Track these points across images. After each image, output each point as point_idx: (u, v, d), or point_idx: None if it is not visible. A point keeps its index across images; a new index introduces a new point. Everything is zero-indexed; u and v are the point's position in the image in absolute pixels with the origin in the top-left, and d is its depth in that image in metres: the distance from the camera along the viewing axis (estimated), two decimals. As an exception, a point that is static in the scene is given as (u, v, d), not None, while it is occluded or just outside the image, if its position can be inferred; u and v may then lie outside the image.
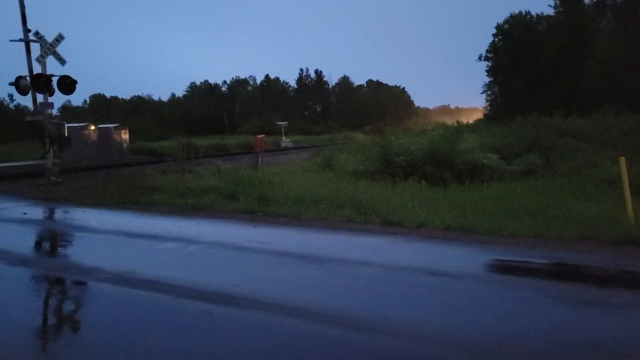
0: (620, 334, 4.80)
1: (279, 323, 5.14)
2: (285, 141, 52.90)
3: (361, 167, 17.29)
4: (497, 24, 55.27)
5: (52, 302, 6.33)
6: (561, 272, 7.13)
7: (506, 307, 5.51)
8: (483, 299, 5.79)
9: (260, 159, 20.79)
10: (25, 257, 8.53)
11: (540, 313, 5.32)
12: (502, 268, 7.55)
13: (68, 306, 6.09)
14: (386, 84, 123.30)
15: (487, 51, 56.93)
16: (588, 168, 14.41)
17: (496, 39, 55.72)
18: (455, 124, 33.06)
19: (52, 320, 5.67)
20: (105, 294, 6.30)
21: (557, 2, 49.60)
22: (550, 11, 51.20)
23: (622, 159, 9.49)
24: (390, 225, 10.02)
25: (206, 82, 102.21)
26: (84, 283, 6.89)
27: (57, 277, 7.24)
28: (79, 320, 5.56)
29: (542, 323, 5.03)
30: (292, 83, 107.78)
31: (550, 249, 7.97)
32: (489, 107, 62.47)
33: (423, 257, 7.99)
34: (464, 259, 7.86)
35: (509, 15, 54.74)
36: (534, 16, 53.48)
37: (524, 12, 54.08)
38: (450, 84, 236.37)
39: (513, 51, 51.08)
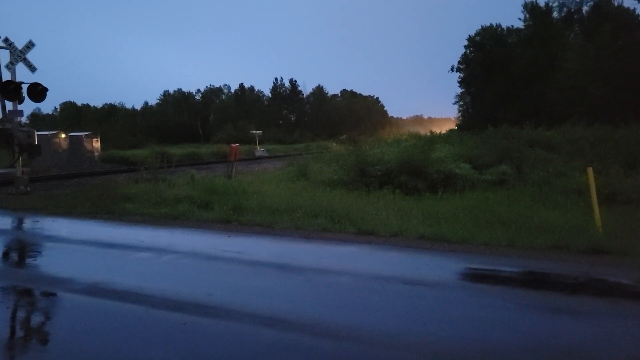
0: (589, 340, 4.92)
1: (254, 333, 5.12)
2: (260, 150, 52.78)
3: (336, 177, 17.36)
4: (469, 36, 56.22)
5: (22, 314, 6.17)
6: (532, 280, 7.28)
7: (479, 315, 5.60)
8: (456, 307, 5.86)
9: (234, 168, 20.69)
10: (-7, 268, 8.33)
11: (512, 320, 5.42)
12: (475, 276, 7.66)
13: (38, 318, 5.96)
14: (360, 94, 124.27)
15: (459, 62, 57.82)
16: (557, 178, 14.73)
17: (468, 51, 56.65)
18: (429, 134, 33.52)
19: (21, 333, 5.53)
20: (77, 305, 6.18)
21: (527, 15, 50.76)
22: (520, 24, 52.39)
23: (590, 170, 9.75)
24: (365, 234, 10.09)
25: (180, 90, 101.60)
26: (55, 294, 6.75)
27: (26, 289, 7.07)
28: (50, 333, 5.44)
29: (514, 330, 5.12)
30: (267, 92, 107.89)
31: (521, 258, 8.13)
32: (461, 118, 63.39)
33: (397, 266, 8.05)
34: (438, 267, 7.96)
35: (480, 27, 55.79)
36: (505, 29, 54.59)
37: (494, 25, 55.17)
38: (423, 94, 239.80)
39: (484, 63, 52.01)
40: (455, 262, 8.18)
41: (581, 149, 18.62)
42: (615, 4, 43.71)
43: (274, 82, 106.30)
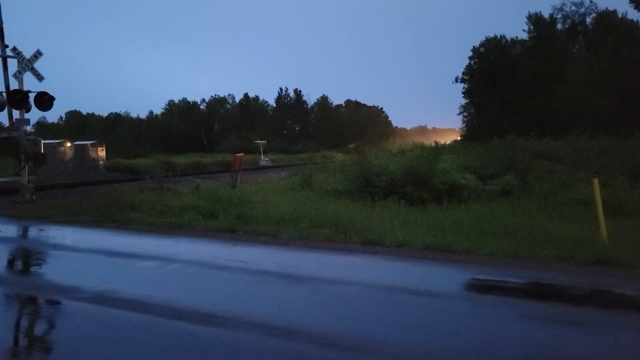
0: (596, 352, 4.90)
1: (261, 343, 5.12)
2: (264, 160, 52.87)
3: (340, 187, 17.36)
4: (473, 47, 56.30)
5: (27, 322, 6.18)
6: (538, 292, 7.25)
7: (485, 326, 5.58)
8: (463, 318, 5.85)
9: (239, 178, 20.74)
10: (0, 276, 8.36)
11: (518, 332, 5.40)
12: (481, 287, 7.64)
13: (44, 326, 5.96)
14: (364, 104, 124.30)
15: (463, 73, 57.85)
16: (562, 189, 14.69)
17: (472, 62, 56.70)
18: (433, 144, 33.56)
19: (27, 341, 5.54)
20: (82, 314, 6.18)
21: (531, 27, 50.90)
22: (524, 36, 52.48)
23: (596, 181, 9.73)
24: (371, 244, 10.08)
25: (184, 100, 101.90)
26: (61, 302, 6.76)
27: (32, 297, 7.10)
28: (56, 341, 5.45)
29: (521, 341, 5.10)
30: (271, 102, 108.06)
31: (527, 269, 8.11)
32: (465, 128, 63.39)
33: (403, 276, 8.04)
34: (444, 278, 7.95)
35: (484, 38, 55.90)
36: (509, 40, 54.65)
37: (498, 36, 55.28)
38: (427, 104, 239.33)
39: (488, 74, 52.06)
40: (461, 273, 8.17)
41: (586, 160, 18.55)
42: (619, 16, 43.81)
43: (278, 92, 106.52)
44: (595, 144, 21.58)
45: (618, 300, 6.81)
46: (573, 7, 48.69)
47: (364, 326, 5.58)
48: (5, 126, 19.55)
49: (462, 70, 57.81)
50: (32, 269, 9.25)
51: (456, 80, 58.27)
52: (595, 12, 47.02)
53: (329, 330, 5.40)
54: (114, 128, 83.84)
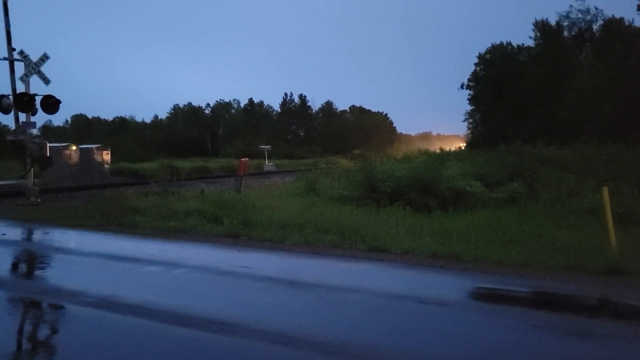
0: (609, 364, 4.81)
1: (267, 350, 5.04)
2: (268, 165, 52.92)
3: (345, 192, 17.30)
4: (479, 53, 56.36)
5: (31, 327, 6.12)
6: (548, 302, 7.15)
7: (495, 336, 5.49)
8: (472, 327, 5.76)
9: (243, 182, 20.70)
10: (3, 280, 8.30)
11: (529, 342, 5.31)
12: (490, 296, 7.53)
13: (47, 331, 5.89)
14: (369, 110, 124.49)
15: (469, 80, 57.88)
16: (570, 197, 14.58)
17: (478, 68, 56.71)
18: (439, 150, 33.52)
19: (31, 346, 5.47)
20: (86, 319, 6.11)
21: (537, 34, 50.85)
22: (531, 43, 52.46)
23: (605, 189, 9.61)
24: (376, 251, 9.99)
25: (189, 104, 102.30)
26: (65, 307, 6.70)
27: (36, 301, 7.03)
28: (60, 346, 5.38)
29: (530, 352, 5.02)
30: (276, 107, 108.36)
31: (537, 278, 8.01)
32: (470, 135, 63.33)
33: (410, 284, 7.94)
34: (452, 286, 7.86)
35: (490, 45, 55.89)
36: (515, 47, 54.64)
37: (505, 43, 55.27)
38: (432, 111, 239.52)
39: (494, 81, 51.98)
40: (469, 281, 8.08)
41: (594, 168, 18.42)
42: (626, 23, 43.72)
43: (283, 97, 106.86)
44: (603, 152, 21.43)
45: (630, 311, 6.70)
46: (579, 15, 48.60)
47: (371, 334, 5.49)
48: (12, 129, 19.54)
49: (468, 76, 57.81)
50: (37, 272, 9.20)
51: (462, 86, 58.30)
52: (602, 20, 46.92)
53: (335, 338, 5.31)
54: (119, 132, 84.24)
